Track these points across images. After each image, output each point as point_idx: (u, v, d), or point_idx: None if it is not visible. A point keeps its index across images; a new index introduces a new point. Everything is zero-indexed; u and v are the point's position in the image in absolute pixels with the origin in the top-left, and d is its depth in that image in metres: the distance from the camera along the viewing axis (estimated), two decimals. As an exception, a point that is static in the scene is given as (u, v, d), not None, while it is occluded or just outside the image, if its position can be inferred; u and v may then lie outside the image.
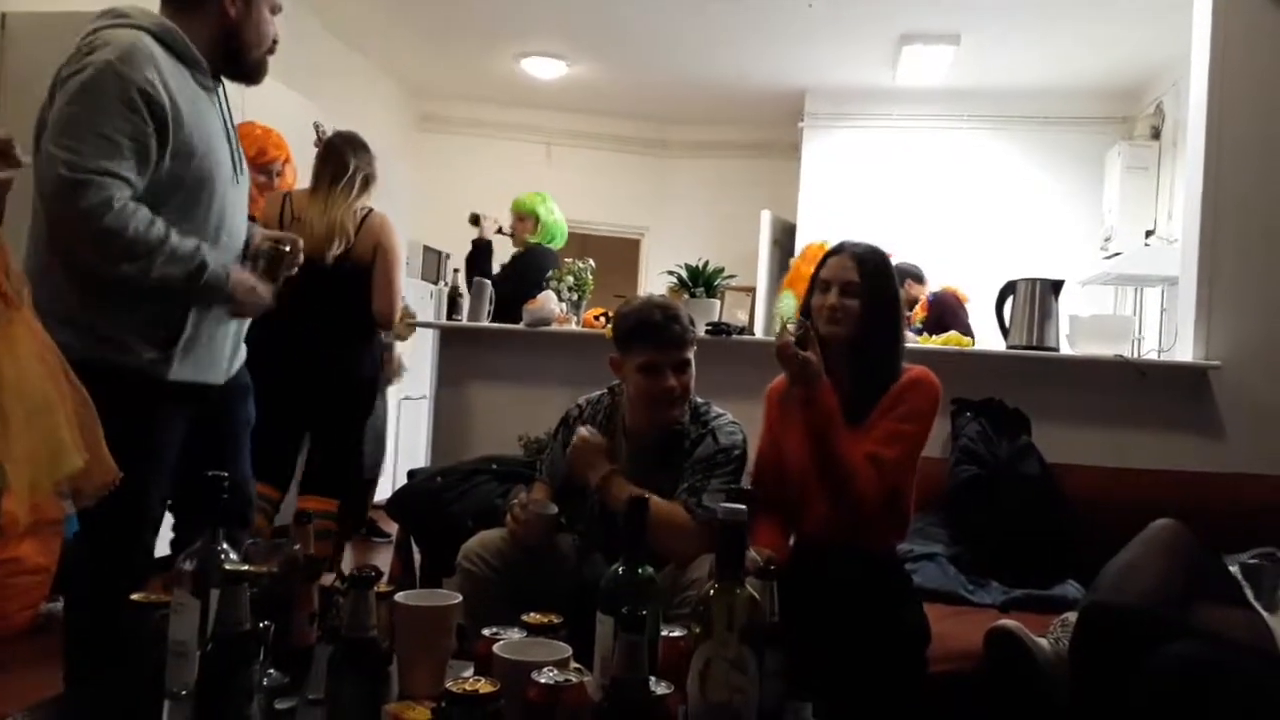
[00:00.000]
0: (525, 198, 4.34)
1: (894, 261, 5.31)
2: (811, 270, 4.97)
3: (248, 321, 2.03)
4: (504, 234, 4.39)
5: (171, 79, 1.76)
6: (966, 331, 4.32)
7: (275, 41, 1.97)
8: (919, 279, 5.09)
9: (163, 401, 1.83)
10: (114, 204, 1.67)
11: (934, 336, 3.51)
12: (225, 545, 1.32)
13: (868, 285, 2.07)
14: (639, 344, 2.17)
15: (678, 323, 2.17)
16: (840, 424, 1.99)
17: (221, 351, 1.95)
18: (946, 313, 4.66)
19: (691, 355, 2.19)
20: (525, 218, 4.30)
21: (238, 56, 1.91)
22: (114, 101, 1.68)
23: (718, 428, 2.21)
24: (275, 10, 1.96)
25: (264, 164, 3.38)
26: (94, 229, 1.67)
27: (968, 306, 4.87)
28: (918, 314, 4.67)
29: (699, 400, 2.28)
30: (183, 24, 1.82)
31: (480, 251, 4.28)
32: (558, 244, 4.32)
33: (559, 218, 4.33)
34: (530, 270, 4.02)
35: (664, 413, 2.19)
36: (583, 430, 2.24)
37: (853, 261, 2.09)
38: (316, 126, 3.93)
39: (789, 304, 4.57)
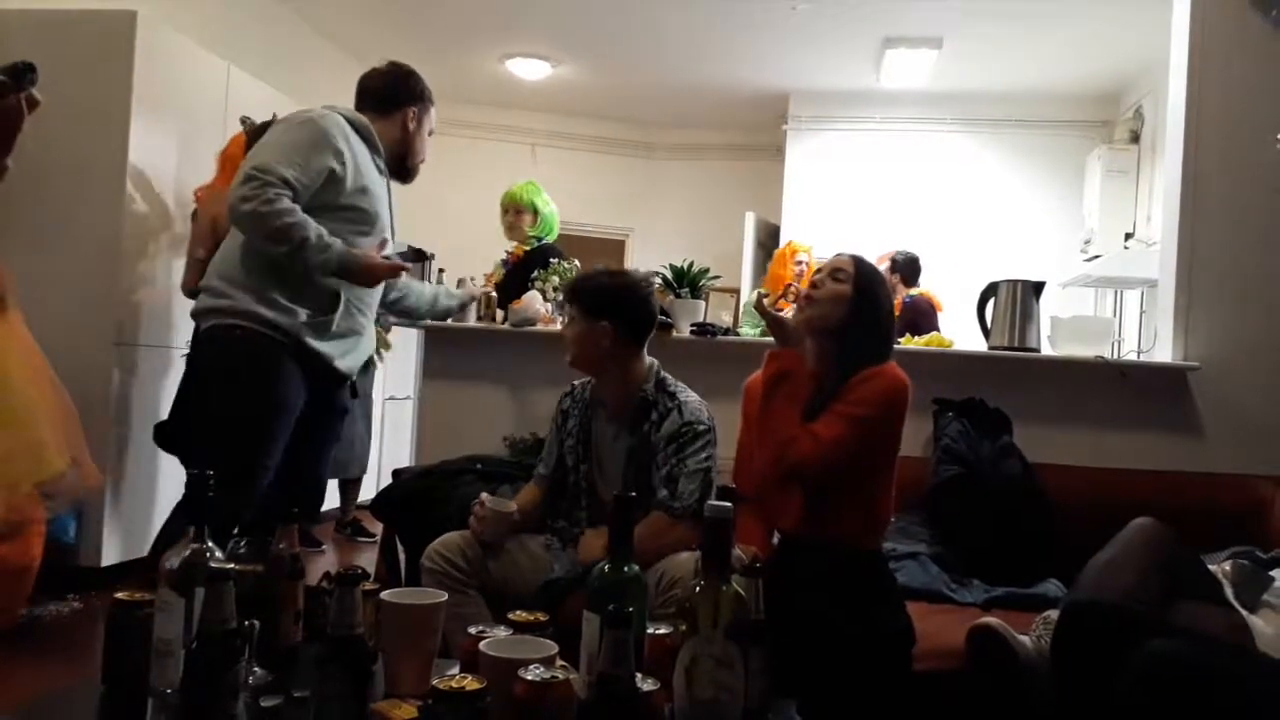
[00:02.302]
0: (518, 190, 4.15)
1: (898, 251, 5.33)
2: (785, 272, 5.03)
3: (372, 337, 2.62)
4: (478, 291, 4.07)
5: (356, 149, 2.45)
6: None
7: (424, 158, 2.69)
8: (908, 276, 5.10)
9: (293, 361, 2.36)
10: (267, 195, 2.23)
11: (915, 338, 3.53)
12: (211, 543, 1.31)
13: (858, 280, 2.13)
14: None
15: (575, 283, 2.38)
16: (786, 389, 2.06)
17: (355, 348, 2.52)
18: (919, 316, 4.70)
19: (578, 314, 2.31)
20: (523, 210, 4.13)
21: (404, 159, 2.63)
22: (307, 137, 2.36)
23: (683, 402, 2.29)
24: (430, 133, 2.69)
25: None
26: (248, 214, 2.25)
27: (942, 314, 4.92)
28: None
29: (667, 376, 2.37)
30: (374, 124, 2.55)
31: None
32: (553, 236, 4.21)
33: (554, 208, 4.23)
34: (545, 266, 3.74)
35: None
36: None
37: (851, 259, 2.18)
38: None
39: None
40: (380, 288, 2.60)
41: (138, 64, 3.65)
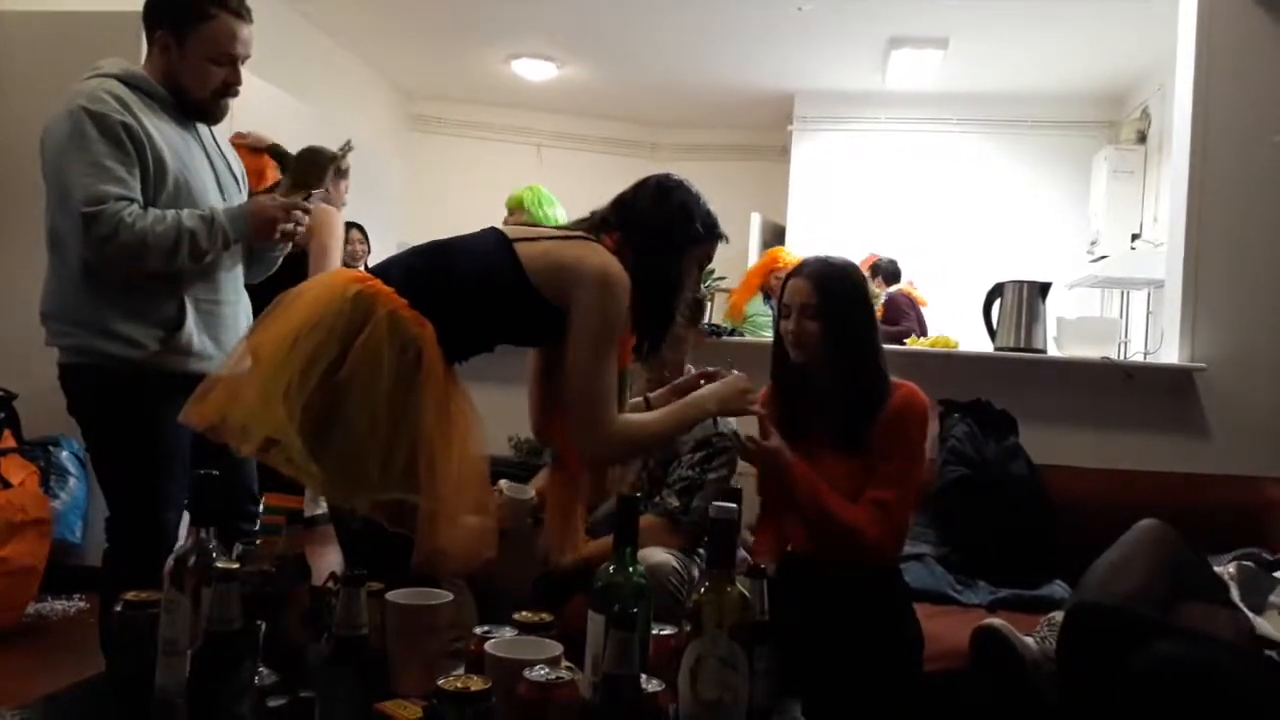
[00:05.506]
0: (516, 192, 4.23)
1: (875, 258, 5.37)
2: (758, 277, 5.01)
3: (245, 319, 2.14)
4: None
5: (137, 111, 1.97)
6: (917, 332, 4.36)
7: (213, 86, 2.06)
8: (889, 277, 5.12)
9: (168, 394, 1.85)
10: (126, 219, 1.87)
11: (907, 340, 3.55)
12: (215, 543, 1.32)
13: (827, 307, 1.96)
14: None
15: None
16: (823, 489, 1.91)
17: (221, 344, 2.06)
18: (896, 313, 4.70)
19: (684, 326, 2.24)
20: (514, 211, 4.19)
21: (181, 97, 2.06)
22: (95, 136, 1.90)
23: None
24: (239, 58, 2.06)
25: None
26: (119, 250, 1.88)
27: (924, 308, 4.93)
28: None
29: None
30: (149, 63, 2.07)
31: None
32: None
33: (550, 210, 4.21)
34: None
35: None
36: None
37: (808, 284, 1.99)
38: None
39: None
40: (238, 268, 2.15)
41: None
